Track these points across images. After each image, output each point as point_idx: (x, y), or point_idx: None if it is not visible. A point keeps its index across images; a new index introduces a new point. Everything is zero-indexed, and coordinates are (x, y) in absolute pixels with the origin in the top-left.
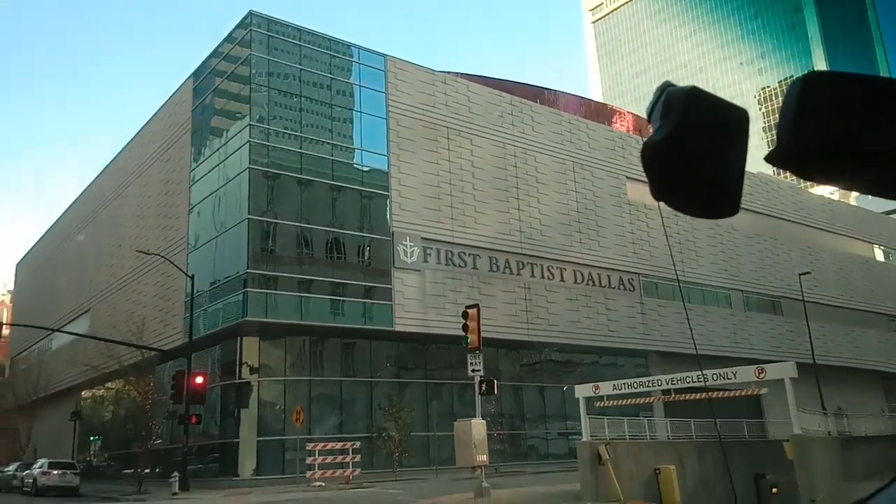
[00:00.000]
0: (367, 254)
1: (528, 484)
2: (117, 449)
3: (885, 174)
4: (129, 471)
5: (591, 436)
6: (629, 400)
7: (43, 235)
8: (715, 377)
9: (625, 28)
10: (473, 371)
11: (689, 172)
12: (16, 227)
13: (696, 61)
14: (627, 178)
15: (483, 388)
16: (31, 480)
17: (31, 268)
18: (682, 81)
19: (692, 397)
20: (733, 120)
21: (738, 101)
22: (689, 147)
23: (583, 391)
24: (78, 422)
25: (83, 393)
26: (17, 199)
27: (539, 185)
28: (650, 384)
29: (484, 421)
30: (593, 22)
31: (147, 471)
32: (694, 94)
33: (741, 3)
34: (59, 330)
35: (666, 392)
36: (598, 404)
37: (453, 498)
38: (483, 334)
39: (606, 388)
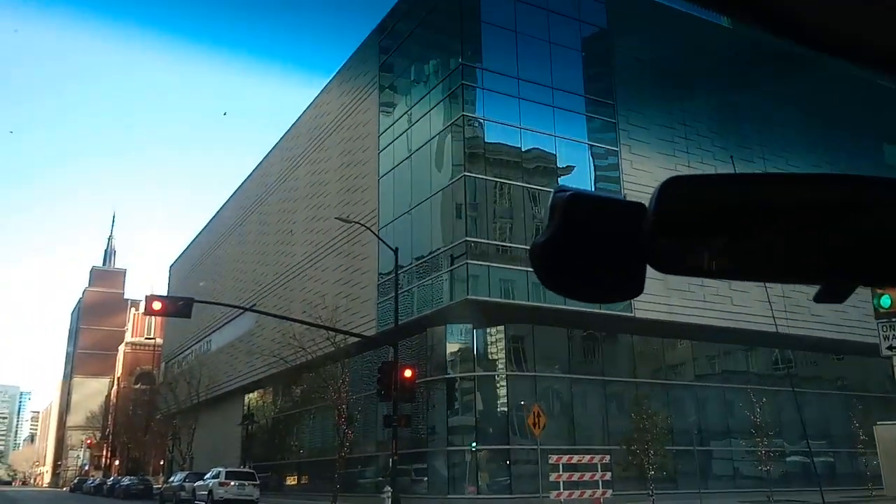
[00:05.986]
0: None
1: None
2: (278, 456)
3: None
4: (292, 481)
5: None
6: None
7: (196, 235)
8: None
9: None
10: (893, 348)
11: (572, 269)
12: (169, 232)
13: None
14: None
15: None
16: (204, 493)
17: (185, 269)
18: None
19: None
20: (620, 216)
21: None
22: (569, 247)
23: None
24: (247, 427)
25: (247, 396)
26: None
27: (784, 142)
28: None
29: None
30: None
31: (338, 484)
32: (574, 197)
33: None
34: (265, 312)
35: None
36: None
37: None
38: (732, 324)
39: None
